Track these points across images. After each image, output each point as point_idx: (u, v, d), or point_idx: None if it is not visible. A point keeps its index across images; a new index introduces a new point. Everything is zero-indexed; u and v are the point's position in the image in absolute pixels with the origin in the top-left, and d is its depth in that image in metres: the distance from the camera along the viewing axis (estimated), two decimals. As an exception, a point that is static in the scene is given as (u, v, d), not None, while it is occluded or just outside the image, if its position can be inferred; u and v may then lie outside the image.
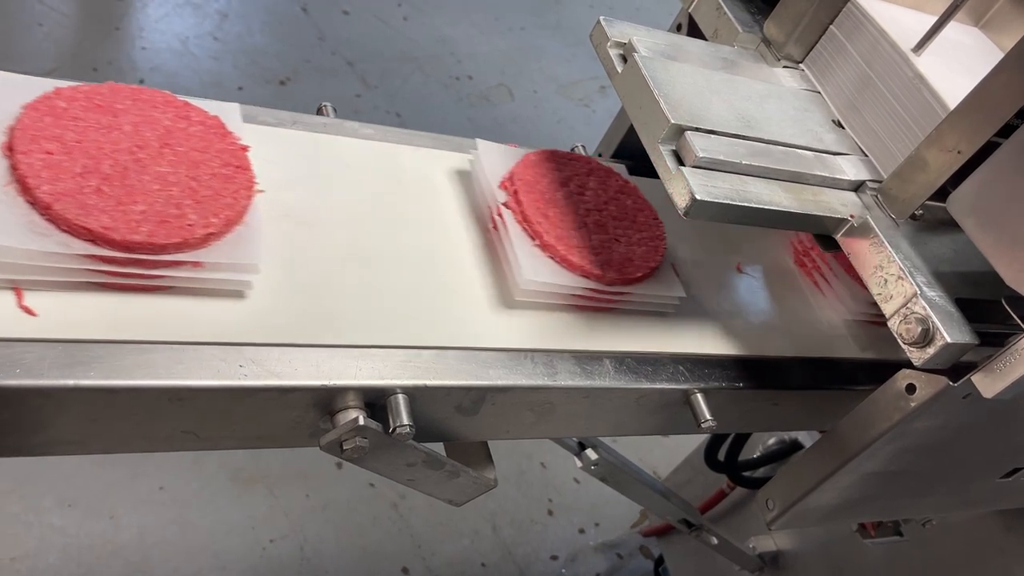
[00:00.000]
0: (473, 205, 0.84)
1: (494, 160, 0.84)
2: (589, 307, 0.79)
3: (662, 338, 0.80)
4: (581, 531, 2.10)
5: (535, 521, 2.07)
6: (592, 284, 0.77)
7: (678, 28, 0.94)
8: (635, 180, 0.91)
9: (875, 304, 0.82)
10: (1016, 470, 0.89)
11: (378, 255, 0.74)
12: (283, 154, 0.79)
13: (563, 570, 2.01)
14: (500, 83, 3.25)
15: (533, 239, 0.78)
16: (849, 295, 0.90)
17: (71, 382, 0.55)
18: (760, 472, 1.54)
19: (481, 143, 0.86)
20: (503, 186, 0.81)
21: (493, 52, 3.37)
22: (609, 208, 0.84)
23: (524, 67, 3.38)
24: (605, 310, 0.79)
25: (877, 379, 0.86)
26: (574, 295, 0.77)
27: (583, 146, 1.00)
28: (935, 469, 0.84)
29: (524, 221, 0.78)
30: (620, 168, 0.92)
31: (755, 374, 0.81)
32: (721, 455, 1.45)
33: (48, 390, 0.54)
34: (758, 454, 1.55)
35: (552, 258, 0.77)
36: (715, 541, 1.45)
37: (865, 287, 0.82)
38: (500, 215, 0.79)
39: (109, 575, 1.64)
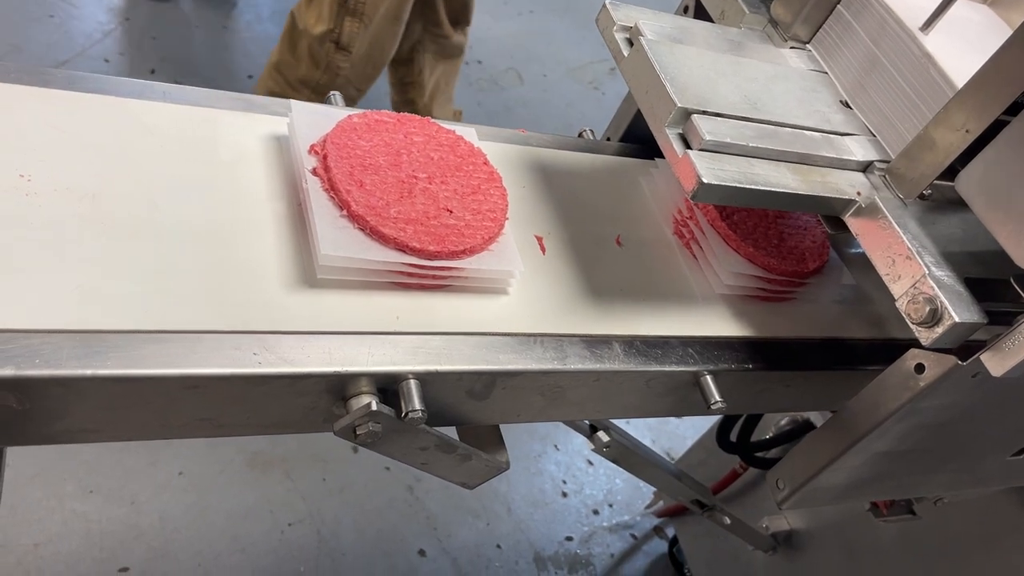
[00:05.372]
0: (286, 173, 0.76)
1: (311, 123, 0.76)
2: (412, 285, 0.72)
3: (498, 318, 0.74)
4: (595, 512, 2.11)
5: (549, 503, 2.08)
6: (411, 259, 0.70)
7: (684, 10, 0.94)
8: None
9: (750, 277, 0.84)
10: (1026, 448, 0.89)
11: (163, 231, 0.67)
12: (79, 121, 0.71)
13: (578, 550, 2.03)
14: (509, 67, 3.25)
15: (340, 209, 0.70)
16: (724, 268, 0.84)
17: (89, 372, 0.56)
18: (772, 452, 1.54)
19: (296, 104, 0.78)
20: (313, 151, 0.74)
21: (503, 36, 3.37)
22: (446, 177, 0.77)
23: (533, 51, 3.37)
24: (431, 288, 0.73)
25: (888, 359, 0.86)
26: (391, 271, 0.70)
27: (591, 130, 1.00)
28: (945, 448, 0.84)
29: (331, 189, 0.71)
30: (469, 132, 0.84)
31: (765, 355, 0.82)
32: (733, 436, 1.46)
33: (67, 380, 0.56)
34: (770, 434, 1.55)
35: (362, 230, 0.70)
36: (728, 521, 1.45)
37: (746, 258, 0.84)
38: (306, 183, 0.72)
39: (131, 559, 1.66)
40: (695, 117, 0.68)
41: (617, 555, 2.06)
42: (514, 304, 0.75)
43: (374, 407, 0.64)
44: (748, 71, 0.76)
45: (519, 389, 0.72)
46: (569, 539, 2.04)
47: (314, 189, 0.70)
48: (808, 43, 0.84)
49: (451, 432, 0.76)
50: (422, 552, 1.87)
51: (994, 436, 0.86)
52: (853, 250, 0.96)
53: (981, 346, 0.67)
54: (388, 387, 0.66)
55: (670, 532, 2.09)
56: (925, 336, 0.65)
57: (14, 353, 0.55)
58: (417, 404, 0.65)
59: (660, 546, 2.11)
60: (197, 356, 0.60)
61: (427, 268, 0.70)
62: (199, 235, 0.67)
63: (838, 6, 0.81)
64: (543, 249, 0.81)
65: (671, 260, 0.87)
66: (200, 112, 0.76)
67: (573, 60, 3.44)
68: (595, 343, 0.75)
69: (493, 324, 0.72)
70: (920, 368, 0.70)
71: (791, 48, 0.83)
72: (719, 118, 0.69)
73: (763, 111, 0.72)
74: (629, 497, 2.16)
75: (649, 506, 2.11)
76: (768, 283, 0.85)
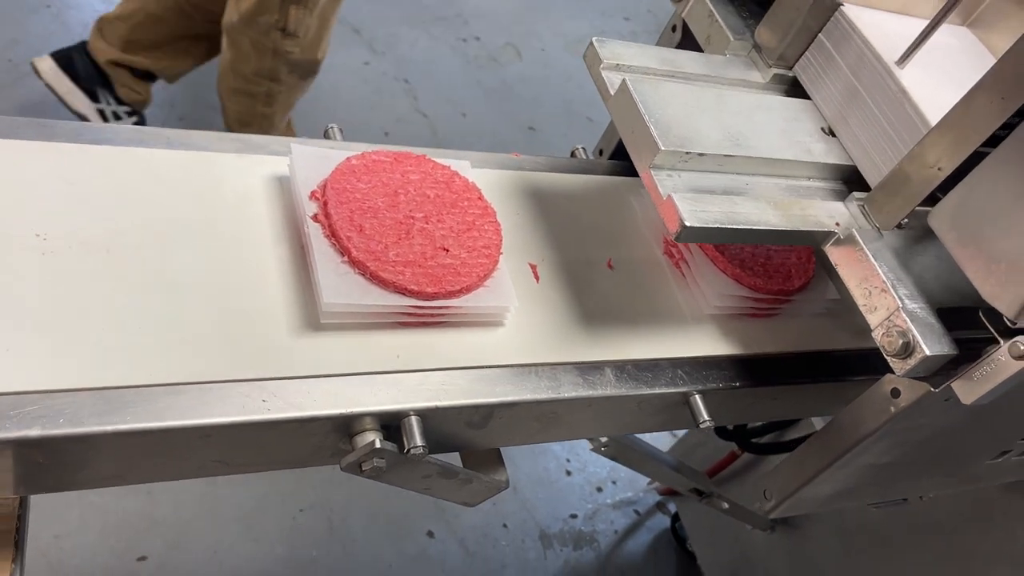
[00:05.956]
0: (288, 216, 0.79)
1: (311, 166, 0.78)
2: (412, 323, 0.75)
3: (494, 350, 0.77)
4: (599, 489, 2.16)
5: (554, 481, 2.14)
6: (410, 301, 0.73)
7: (673, 29, 0.96)
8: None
9: (738, 297, 0.86)
10: (1005, 452, 0.93)
11: (173, 282, 0.70)
12: (88, 174, 0.74)
13: (582, 527, 2.08)
14: (508, 43, 3.24)
15: (341, 255, 0.73)
16: (712, 289, 0.87)
17: (110, 428, 0.60)
18: (768, 438, 1.58)
19: (296, 147, 0.80)
20: (313, 196, 0.77)
21: (500, 11, 3.35)
22: (442, 215, 0.80)
23: (532, 25, 3.36)
24: (430, 325, 0.76)
25: (873, 367, 0.90)
26: (392, 313, 0.74)
27: (583, 148, 1.03)
28: (927, 458, 0.88)
29: (332, 236, 0.74)
30: (463, 165, 0.86)
31: (752, 373, 0.85)
32: (729, 424, 1.50)
33: (89, 436, 0.59)
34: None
35: (362, 275, 0.73)
36: (726, 506, 1.50)
37: (733, 279, 0.87)
38: (308, 229, 0.74)
39: (148, 549, 1.72)
40: (680, 161, 0.71)
41: (621, 531, 2.12)
42: (510, 335, 0.78)
43: (378, 444, 0.68)
44: (731, 104, 0.78)
45: (516, 418, 0.76)
46: (574, 516, 2.09)
47: (315, 235, 0.74)
48: (792, 69, 0.86)
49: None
50: (430, 534, 1.93)
51: (975, 445, 0.90)
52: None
53: (954, 371, 0.70)
54: (391, 423, 0.70)
55: (672, 508, 2.14)
56: (899, 367, 0.69)
57: (39, 414, 0.58)
58: (419, 440, 0.69)
59: (663, 521, 2.16)
60: (209, 406, 0.63)
61: (425, 308, 0.74)
62: (207, 284, 0.71)
63: (820, 35, 0.83)
64: (537, 277, 0.84)
65: (661, 281, 0.90)
66: (202, 157, 0.79)
67: (571, 33, 3.43)
68: (588, 370, 0.79)
69: (490, 356, 0.76)
70: (896, 392, 0.73)
71: (775, 75, 0.85)
72: (703, 157, 0.72)
73: (745, 146, 0.75)
74: (632, 474, 2.20)
75: (651, 482, 2.16)
76: (756, 302, 0.88)
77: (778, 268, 0.89)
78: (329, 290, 0.70)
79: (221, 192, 0.77)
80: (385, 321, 0.74)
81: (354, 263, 0.73)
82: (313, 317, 0.72)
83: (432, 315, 0.75)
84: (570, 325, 0.81)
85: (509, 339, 0.78)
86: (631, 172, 1.01)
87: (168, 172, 0.77)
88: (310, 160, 0.79)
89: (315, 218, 0.75)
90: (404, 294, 0.73)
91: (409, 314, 0.74)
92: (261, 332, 0.69)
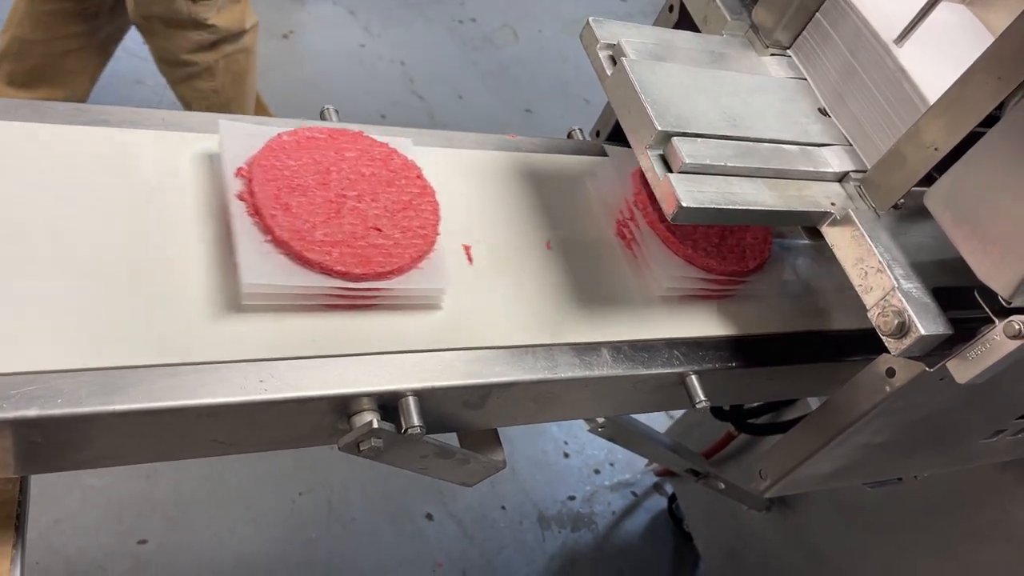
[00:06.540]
0: (217, 196, 0.75)
1: (239, 144, 0.75)
2: (341, 306, 0.72)
3: (429, 334, 0.74)
4: (597, 471, 2.18)
5: (552, 463, 2.15)
6: (337, 283, 0.70)
7: (670, 9, 0.96)
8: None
9: (689, 279, 0.85)
10: (999, 431, 0.93)
11: (79, 266, 0.67)
12: (23, 155, 0.71)
13: (580, 509, 2.09)
14: (504, 24, 3.23)
15: (265, 235, 0.70)
16: (663, 271, 0.85)
17: (109, 408, 0.60)
18: (764, 418, 1.59)
19: (224, 124, 0.77)
20: (240, 174, 0.73)
21: (496, -8, 3.35)
22: (377, 194, 0.76)
23: (528, 6, 3.35)
24: (360, 308, 0.73)
25: (867, 349, 0.90)
26: (318, 295, 0.71)
27: (580, 129, 1.03)
28: (921, 437, 0.88)
29: (256, 214, 0.71)
30: (404, 143, 0.83)
31: (747, 353, 0.85)
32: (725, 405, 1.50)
33: (88, 416, 0.60)
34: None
35: (286, 255, 0.70)
36: (722, 486, 1.51)
37: (685, 260, 0.86)
38: (232, 209, 0.72)
39: (149, 532, 1.73)
40: (675, 140, 0.71)
41: (619, 512, 2.13)
42: (447, 318, 0.76)
43: (376, 424, 0.68)
44: (728, 85, 0.78)
45: (513, 398, 0.76)
46: (572, 498, 2.10)
47: (239, 215, 0.71)
48: (788, 48, 0.86)
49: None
50: (429, 516, 1.94)
51: (969, 424, 0.90)
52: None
53: (948, 351, 0.70)
54: (388, 403, 0.70)
55: (669, 489, 2.16)
56: (894, 346, 0.69)
57: (37, 394, 0.59)
58: (416, 420, 0.69)
59: (660, 502, 2.17)
60: (207, 388, 0.63)
61: (354, 290, 0.71)
62: (121, 265, 0.68)
63: (816, 14, 0.83)
64: (470, 259, 0.81)
65: (614, 262, 0.88)
66: (132, 135, 0.76)
67: (568, 14, 3.42)
68: (584, 350, 0.78)
69: (425, 341, 0.73)
70: (891, 372, 0.73)
71: (772, 55, 0.85)
72: (699, 139, 0.72)
73: (742, 127, 0.75)
74: (629, 456, 2.21)
75: (649, 464, 2.17)
76: (708, 283, 0.86)
77: (732, 248, 0.87)
78: (250, 270, 0.67)
79: (143, 171, 0.75)
80: (312, 303, 0.71)
81: (278, 242, 0.70)
82: (236, 299, 0.69)
83: (362, 297, 0.72)
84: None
85: (446, 322, 0.75)
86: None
87: (101, 152, 0.74)
88: (240, 136, 0.75)
89: (240, 196, 0.72)
90: (331, 275, 0.70)
91: (337, 296, 0.71)
92: (179, 311, 0.67)
